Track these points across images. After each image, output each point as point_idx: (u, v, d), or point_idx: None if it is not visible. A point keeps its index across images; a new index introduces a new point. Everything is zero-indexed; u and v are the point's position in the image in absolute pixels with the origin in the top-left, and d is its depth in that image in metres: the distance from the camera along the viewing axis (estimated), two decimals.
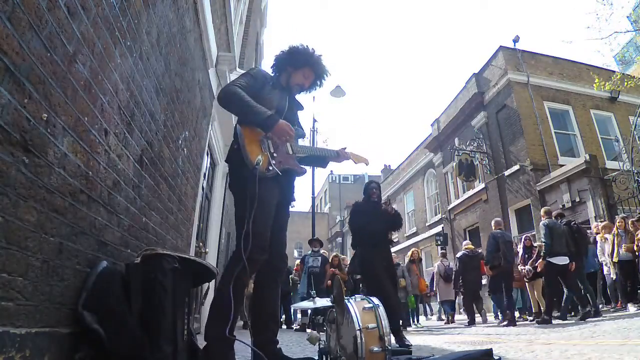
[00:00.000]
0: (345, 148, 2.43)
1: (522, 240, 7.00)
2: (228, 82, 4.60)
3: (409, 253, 8.41)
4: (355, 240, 3.89)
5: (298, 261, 7.91)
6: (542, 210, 6.18)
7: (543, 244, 5.44)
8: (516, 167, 10.20)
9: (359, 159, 2.48)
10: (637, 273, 5.77)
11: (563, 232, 5.53)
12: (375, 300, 1.82)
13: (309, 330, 5.96)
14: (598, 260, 6.34)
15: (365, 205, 3.89)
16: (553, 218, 5.85)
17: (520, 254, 6.76)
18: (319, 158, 2.40)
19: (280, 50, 2.29)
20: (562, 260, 5.30)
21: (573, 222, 6.05)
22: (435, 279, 8.63)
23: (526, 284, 6.67)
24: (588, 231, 6.66)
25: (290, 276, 8.20)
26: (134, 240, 2.05)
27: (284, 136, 1.98)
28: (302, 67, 2.22)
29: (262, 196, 1.83)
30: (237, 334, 1.82)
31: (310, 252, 7.47)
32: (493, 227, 6.64)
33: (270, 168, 1.92)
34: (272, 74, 2.25)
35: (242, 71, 5.33)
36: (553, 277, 5.49)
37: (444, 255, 9.10)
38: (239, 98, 1.93)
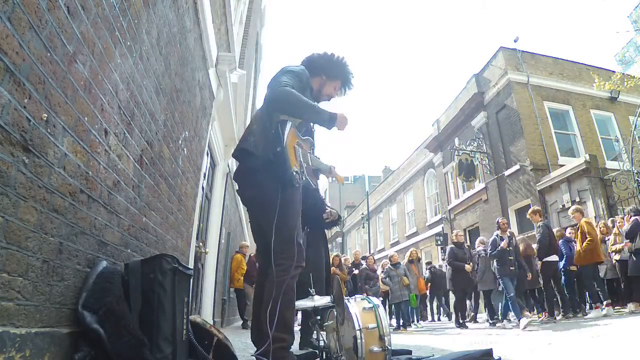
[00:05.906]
0: (335, 167, 2.41)
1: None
2: (228, 82, 4.61)
3: (408, 253, 8.38)
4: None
5: None
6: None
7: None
8: (516, 167, 10.20)
9: (339, 178, 2.46)
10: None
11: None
12: (375, 300, 1.83)
13: None
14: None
15: None
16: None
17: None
18: (316, 170, 2.34)
19: (317, 53, 2.21)
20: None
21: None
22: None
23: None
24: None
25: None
26: (134, 240, 2.05)
27: (345, 125, 1.93)
28: (336, 79, 2.18)
29: (298, 203, 1.86)
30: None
31: None
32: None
33: (303, 177, 1.87)
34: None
35: (243, 71, 5.34)
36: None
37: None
38: (298, 97, 1.80)
